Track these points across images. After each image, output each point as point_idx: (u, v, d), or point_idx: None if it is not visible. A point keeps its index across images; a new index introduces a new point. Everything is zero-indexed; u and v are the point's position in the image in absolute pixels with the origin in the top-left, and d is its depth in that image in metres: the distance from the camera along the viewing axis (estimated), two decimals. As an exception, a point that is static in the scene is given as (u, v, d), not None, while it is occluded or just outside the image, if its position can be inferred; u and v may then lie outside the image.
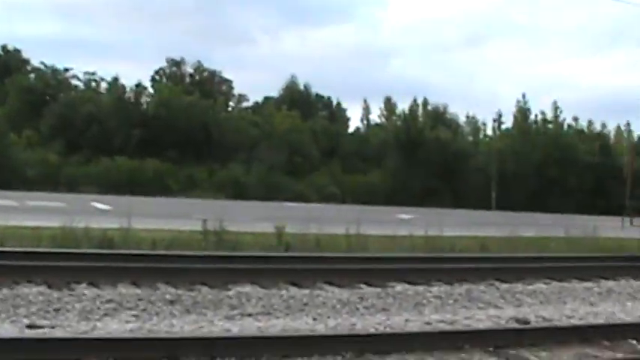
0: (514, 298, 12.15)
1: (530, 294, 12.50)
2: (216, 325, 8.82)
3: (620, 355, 7.93)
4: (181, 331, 8.25)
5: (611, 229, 25.02)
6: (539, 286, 13.20)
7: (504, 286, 12.90)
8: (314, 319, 9.53)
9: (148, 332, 8.11)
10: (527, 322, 9.84)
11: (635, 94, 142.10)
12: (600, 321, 10.30)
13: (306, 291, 11.20)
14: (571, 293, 12.84)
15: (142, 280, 11.11)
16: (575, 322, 10.16)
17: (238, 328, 8.61)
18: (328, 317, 9.77)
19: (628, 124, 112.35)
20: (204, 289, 10.96)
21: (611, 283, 14.03)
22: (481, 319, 9.99)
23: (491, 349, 7.89)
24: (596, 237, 23.01)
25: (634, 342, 8.74)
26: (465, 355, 7.68)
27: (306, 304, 10.43)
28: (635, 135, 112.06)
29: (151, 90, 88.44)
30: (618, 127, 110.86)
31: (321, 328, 8.77)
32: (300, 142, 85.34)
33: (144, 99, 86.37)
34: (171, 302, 9.95)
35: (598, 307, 11.82)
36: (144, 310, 9.53)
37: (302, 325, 9.01)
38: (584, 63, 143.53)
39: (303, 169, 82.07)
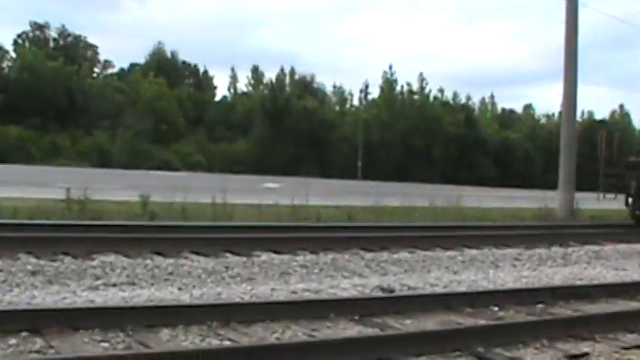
0: (379, 267, 12.26)
1: (395, 263, 12.63)
2: (80, 295, 8.60)
3: (482, 322, 8.06)
4: (43, 303, 8.01)
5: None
6: (404, 255, 13.33)
7: (369, 255, 12.99)
8: (179, 289, 9.41)
9: (8, 304, 7.85)
10: (392, 291, 9.93)
11: (500, 67, 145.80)
12: (463, 289, 10.47)
13: (171, 260, 11.05)
14: (435, 262, 13.03)
15: (1, 250, 10.74)
16: (439, 290, 10.30)
17: (102, 298, 8.41)
18: (193, 287, 9.66)
19: (492, 97, 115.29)
20: (67, 259, 10.68)
21: (474, 252, 14.30)
22: (346, 287, 10.02)
23: (356, 317, 7.91)
24: (460, 207, 23.48)
25: (496, 308, 8.92)
26: (330, 323, 7.68)
27: (171, 274, 10.29)
28: (499, 107, 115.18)
29: (13, 54, 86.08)
30: (483, 99, 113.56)
31: (186, 298, 8.66)
32: (166, 110, 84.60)
33: (5, 63, 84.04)
34: (33, 273, 9.66)
35: (461, 275, 12.03)
36: (4, 281, 9.23)
37: (167, 294, 8.87)
38: (450, 35, 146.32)
39: (169, 137, 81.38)
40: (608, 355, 6.96)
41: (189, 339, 6.73)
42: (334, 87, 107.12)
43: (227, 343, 6.64)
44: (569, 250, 15.79)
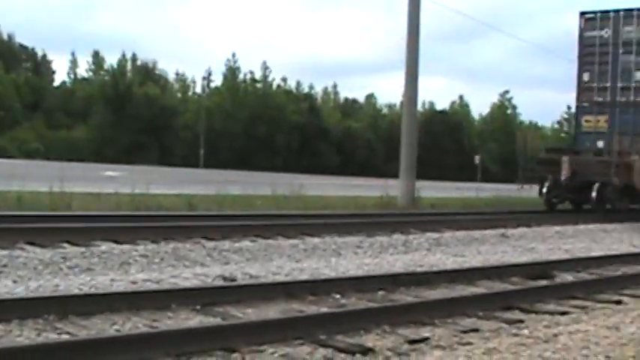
0: (221, 256, 12.17)
1: (237, 251, 12.56)
2: None
3: (324, 309, 8.10)
4: None
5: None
6: (246, 243, 13.28)
7: (211, 244, 12.87)
8: (14, 282, 9.08)
9: None
10: (234, 280, 9.87)
11: (343, 56, 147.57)
12: (305, 277, 10.49)
13: (6, 252, 10.64)
14: (277, 250, 13.02)
15: None
16: (281, 278, 10.29)
17: None
18: (29, 279, 9.34)
19: (335, 86, 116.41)
20: None
21: (316, 240, 14.35)
22: (188, 277, 9.91)
23: (198, 307, 7.82)
24: (302, 195, 23.59)
25: (338, 296, 8.97)
26: (171, 314, 7.56)
27: (5, 266, 9.92)
28: (342, 97, 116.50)
29: None
30: (326, 89, 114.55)
31: (21, 291, 8.37)
32: (2, 95, 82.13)
33: None
34: None
35: (304, 263, 12.06)
36: None
37: (1, 287, 8.55)
38: (294, 24, 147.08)
39: (5, 123, 78.99)
40: (447, 339, 7.09)
41: (25, 334, 6.49)
42: (177, 74, 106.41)
43: (65, 336, 6.43)
44: (410, 237, 16.06)
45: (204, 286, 9.12)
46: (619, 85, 26.79)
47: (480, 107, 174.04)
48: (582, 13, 27.64)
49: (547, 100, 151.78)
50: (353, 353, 6.39)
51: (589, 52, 27.32)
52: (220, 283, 9.65)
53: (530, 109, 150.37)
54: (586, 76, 27.47)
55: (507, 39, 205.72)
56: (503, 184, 55.05)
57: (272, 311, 8.05)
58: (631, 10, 26.80)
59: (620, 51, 26.75)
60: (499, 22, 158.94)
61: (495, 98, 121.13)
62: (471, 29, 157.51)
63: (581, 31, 27.56)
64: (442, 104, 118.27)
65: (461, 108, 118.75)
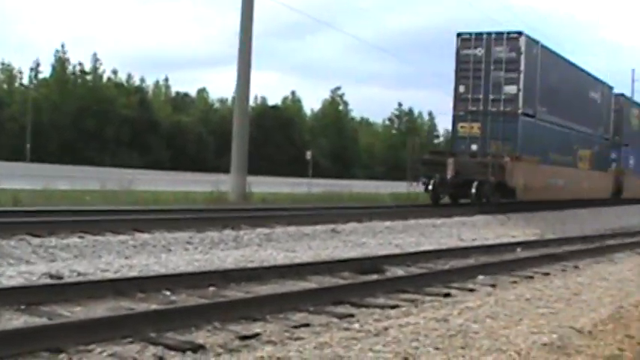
0: (47, 253, 11.85)
1: (64, 248, 12.26)
2: None
3: (154, 306, 7.99)
4: None
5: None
6: (74, 240, 12.95)
7: (37, 240, 12.50)
8: None
9: None
10: (60, 278, 9.64)
11: (176, 50, 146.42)
12: (135, 273, 10.36)
13: None
14: (106, 247, 12.78)
15: None
16: (109, 275, 10.12)
17: None
18: None
19: (166, 79, 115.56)
20: None
21: (146, 236, 14.15)
22: (12, 275, 9.60)
23: (23, 307, 7.59)
24: (132, 190, 23.28)
25: (168, 293, 8.88)
26: (-7, 315, 7.33)
27: None
28: (173, 90, 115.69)
29: None
30: (157, 82, 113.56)
31: None
32: None
33: None
34: None
35: (133, 259, 11.89)
36: None
37: None
38: (125, 15, 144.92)
39: None
40: (278, 334, 7.12)
41: None
42: (2, 64, 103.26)
43: None
44: (241, 232, 16.03)
45: (29, 285, 8.87)
46: (490, 97, 29.72)
47: (312, 103, 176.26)
48: (459, 34, 30.46)
49: (378, 96, 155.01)
50: (183, 351, 6.33)
51: (464, 68, 30.13)
52: (46, 281, 9.41)
53: (361, 105, 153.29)
54: (462, 88, 30.22)
55: (341, 36, 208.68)
56: (334, 179, 55.82)
57: (100, 309, 7.90)
58: (501, 33, 29.93)
59: (492, 67, 29.62)
60: (333, 19, 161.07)
61: (327, 94, 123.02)
62: (306, 25, 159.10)
63: (458, 49, 30.33)
64: (274, 99, 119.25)
65: (293, 103, 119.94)
